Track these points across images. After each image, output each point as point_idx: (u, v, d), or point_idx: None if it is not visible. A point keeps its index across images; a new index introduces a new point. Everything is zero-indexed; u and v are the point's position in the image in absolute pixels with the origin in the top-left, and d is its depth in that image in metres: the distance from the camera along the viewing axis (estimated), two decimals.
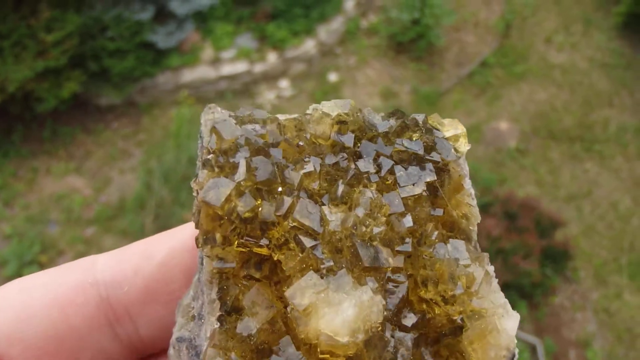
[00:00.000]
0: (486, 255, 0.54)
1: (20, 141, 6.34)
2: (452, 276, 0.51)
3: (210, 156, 0.52)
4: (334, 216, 0.52)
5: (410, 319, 0.51)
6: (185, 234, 0.64)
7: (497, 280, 0.53)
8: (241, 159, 0.52)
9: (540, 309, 5.27)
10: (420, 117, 0.58)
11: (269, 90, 6.83)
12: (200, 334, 0.54)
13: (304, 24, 6.89)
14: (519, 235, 4.97)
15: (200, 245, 0.51)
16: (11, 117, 6.26)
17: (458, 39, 7.47)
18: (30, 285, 0.61)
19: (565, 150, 6.49)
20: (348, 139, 0.56)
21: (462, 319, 0.51)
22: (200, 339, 0.54)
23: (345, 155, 0.56)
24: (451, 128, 0.59)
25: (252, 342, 0.49)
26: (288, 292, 0.48)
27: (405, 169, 0.56)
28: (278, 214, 0.51)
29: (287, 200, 0.51)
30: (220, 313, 0.50)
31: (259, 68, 6.76)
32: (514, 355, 0.50)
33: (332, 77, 7.00)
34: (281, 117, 0.58)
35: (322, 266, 0.50)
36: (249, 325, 0.49)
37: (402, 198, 0.54)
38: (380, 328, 0.49)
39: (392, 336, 0.50)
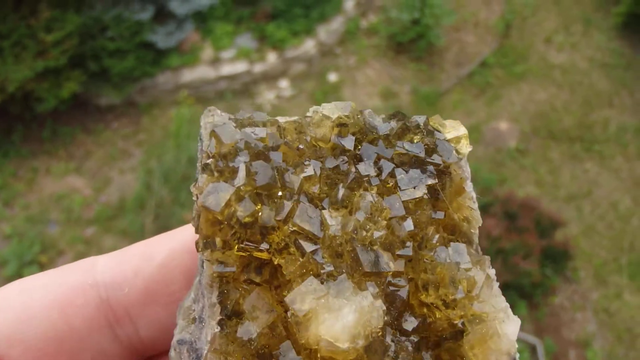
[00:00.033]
0: (487, 258, 0.53)
1: (20, 141, 6.34)
2: (453, 280, 0.51)
3: (209, 160, 0.52)
4: (334, 220, 0.52)
5: (411, 323, 0.51)
6: (185, 235, 0.64)
7: (498, 283, 0.53)
8: (241, 163, 0.51)
9: (540, 309, 5.27)
10: (421, 119, 0.58)
11: (268, 90, 6.82)
12: (201, 337, 0.54)
13: (304, 24, 6.89)
14: (519, 235, 4.97)
15: (200, 250, 0.51)
16: (11, 117, 6.25)
17: (458, 39, 7.47)
18: (31, 286, 0.61)
19: (565, 150, 6.49)
20: (348, 142, 0.56)
21: (463, 323, 0.51)
22: (201, 342, 0.54)
23: (345, 158, 0.55)
24: (453, 129, 0.59)
25: (252, 347, 0.49)
26: (288, 298, 0.48)
27: (406, 172, 0.55)
28: (278, 218, 0.50)
29: (287, 205, 0.51)
30: (221, 317, 0.50)
31: (258, 68, 6.76)
32: None
33: (332, 77, 7.00)
34: (281, 119, 0.57)
35: (322, 271, 0.50)
36: (249, 329, 0.49)
37: (403, 201, 0.53)
38: (380, 333, 0.49)
39: (393, 341, 0.50)
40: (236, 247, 0.50)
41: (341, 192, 0.53)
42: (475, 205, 0.57)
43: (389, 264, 0.51)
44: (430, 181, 0.55)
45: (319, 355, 0.47)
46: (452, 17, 7.21)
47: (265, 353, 0.49)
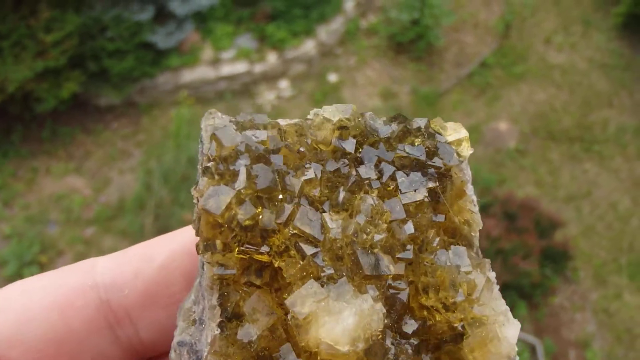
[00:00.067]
0: (488, 261, 0.53)
1: (20, 141, 6.34)
2: (453, 283, 0.51)
3: (210, 163, 0.52)
4: (335, 223, 0.52)
5: (411, 326, 0.51)
6: (185, 236, 0.64)
7: (498, 286, 0.53)
8: (241, 166, 0.51)
9: (539, 309, 5.27)
10: (422, 122, 0.58)
11: (268, 90, 6.83)
12: (201, 339, 0.54)
13: (304, 25, 6.89)
14: (519, 235, 4.97)
15: (200, 252, 0.51)
16: (11, 117, 6.25)
17: (457, 40, 7.47)
18: (31, 287, 0.61)
19: (565, 150, 6.50)
20: (349, 145, 0.56)
21: (463, 326, 0.51)
22: (201, 344, 0.54)
23: (346, 161, 0.55)
24: (454, 132, 0.59)
25: (252, 349, 0.49)
26: (288, 300, 0.48)
27: (407, 175, 0.55)
28: (279, 221, 0.50)
29: (288, 208, 0.51)
30: (221, 319, 0.50)
31: (258, 68, 6.76)
32: None
33: (332, 77, 7.00)
34: (282, 122, 0.57)
35: (322, 274, 0.50)
36: (249, 331, 0.49)
37: (404, 204, 0.54)
38: (380, 336, 0.49)
39: (393, 343, 0.50)
40: (237, 250, 0.50)
41: (342, 195, 0.53)
42: (476, 209, 0.57)
43: (389, 267, 0.51)
44: (431, 184, 0.55)
45: (319, 358, 0.47)
46: (451, 18, 7.22)
47: (265, 355, 0.49)
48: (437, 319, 0.51)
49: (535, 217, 5.15)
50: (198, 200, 0.52)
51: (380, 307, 0.49)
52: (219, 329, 0.50)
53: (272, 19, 6.92)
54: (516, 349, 0.50)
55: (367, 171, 0.55)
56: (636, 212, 6.02)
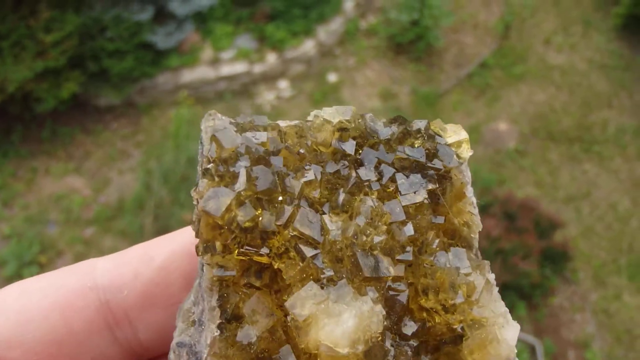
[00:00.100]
0: (487, 263, 0.53)
1: (20, 141, 6.34)
2: (453, 285, 0.51)
3: (210, 165, 0.52)
4: (335, 225, 0.52)
5: (410, 328, 0.51)
6: (185, 237, 0.64)
7: (497, 288, 0.53)
8: (241, 168, 0.51)
9: (539, 310, 5.27)
10: (422, 124, 0.58)
11: (268, 90, 6.83)
12: (201, 340, 0.54)
13: (303, 25, 6.89)
14: (518, 235, 4.97)
15: (200, 254, 0.51)
16: (10, 118, 6.25)
17: (457, 40, 7.47)
18: (30, 289, 0.61)
19: (564, 151, 6.50)
20: (349, 147, 0.56)
21: (462, 328, 0.51)
22: (201, 346, 0.54)
23: (346, 163, 0.55)
24: (454, 134, 0.59)
25: (252, 351, 0.49)
26: (288, 302, 0.48)
27: (407, 176, 0.55)
28: (278, 223, 0.50)
29: (288, 210, 0.51)
30: (221, 321, 0.50)
31: (258, 69, 6.76)
32: None
33: (332, 77, 7.00)
34: (282, 123, 0.57)
35: (322, 276, 0.50)
36: (249, 333, 0.49)
37: (403, 206, 0.54)
38: (380, 338, 0.49)
39: (392, 345, 0.50)
40: (236, 252, 0.50)
41: (342, 196, 0.54)
42: (476, 211, 0.57)
43: (388, 268, 0.51)
44: (430, 186, 0.55)
45: None
46: (451, 18, 7.22)
47: (264, 357, 0.49)
48: (436, 320, 0.51)
49: (534, 218, 5.15)
50: (198, 202, 0.52)
51: (379, 309, 0.49)
52: (218, 331, 0.50)
53: (271, 19, 6.92)
54: (515, 350, 0.50)
55: (367, 173, 0.55)
56: (636, 213, 6.02)
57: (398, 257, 0.52)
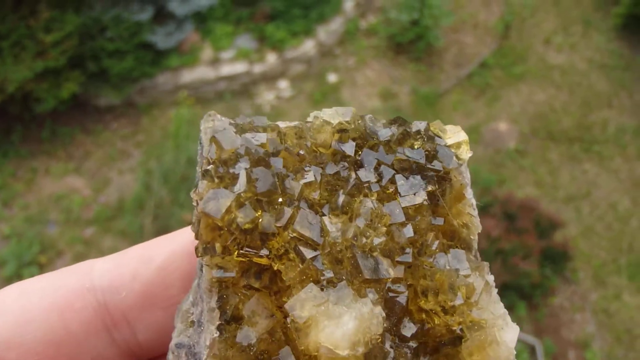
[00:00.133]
0: (486, 264, 0.54)
1: (20, 141, 6.34)
2: (452, 286, 0.51)
3: (210, 166, 0.52)
4: (335, 227, 0.52)
5: (409, 329, 0.51)
6: (184, 238, 0.64)
7: (496, 290, 0.53)
8: (241, 169, 0.51)
9: (539, 310, 5.27)
10: (422, 125, 0.58)
11: (268, 90, 6.83)
12: (200, 341, 0.54)
13: (303, 25, 6.90)
14: (519, 236, 4.98)
15: (200, 255, 0.51)
16: (10, 118, 6.25)
17: (457, 40, 7.47)
18: (29, 289, 0.61)
19: (564, 151, 6.50)
20: (349, 148, 0.56)
21: (461, 329, 0.51)
22: (200, 346, 0.54)
23: (346, 164, 0.55)
24: (453, 135, 0.59)
25: (251, 352, 0.49)
26: (288, 304, 0.48)
27: (407, 178, 0.55)
28: (278, 224, 0.50)
29: (288, 211, 0.51)
30: (220, 322, 0.50)
31: (258, 69, 6.76)
32: None
33: (332, 77, 7.00)
34: (281, 124, 0.57)
35: (322, 277, 0.50)
36: (248, 334, 0.49)
37: (403, 208, 0.54)
38: (380, 340, 0.49)
39: (392, 347, 0.50)
40: (236, 253, 0.50)
41: (341, 198, 0.53)
42: (475, 212, 0.57)
43: (388, 270, 0.51)
44: (430, 187, 0.55)
45: None
46: (451, 18, 7.22)
47: (264, 358, 0.49)
48: (435, 322, 0.51)
49: (534, 218, 5.15)
50: (197, 203, 0.51)
51: (379, 310, 0.49)
52: (218, 332, 0.50)
53: (271, 19, 6.92)
54: (514, 352, 0.50)
55: (366, 174, 0.55)
56: (636, 213, 6.02)
57: (398, 259, 0.52)
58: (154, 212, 5.48)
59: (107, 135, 6.45)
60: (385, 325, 0.50)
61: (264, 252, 0.50)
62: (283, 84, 6.89)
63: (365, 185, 0.55)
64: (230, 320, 0.50)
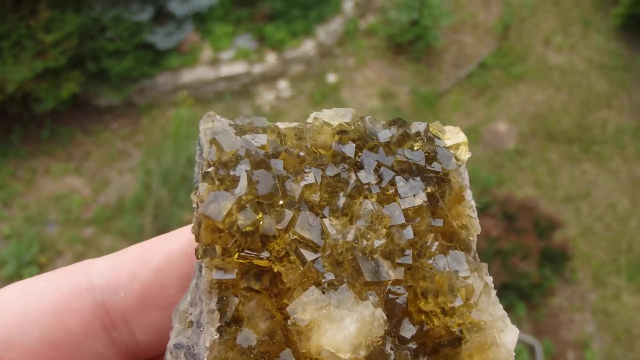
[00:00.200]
0: (485, 265, 0.54)
1: (19, 141, 6.34)
2: (452, 288, 0.51)
3: (210, 169, 0.52)
4: (335, 229, 0.52)
5: (409, 331, 0.51)
6: (183, 237, 0.64)
7: (495, 291, 0.53)
8: (242, 171, 0.51)
9: (538, 310, 5.28)
10: (421, 126, 0.58)
11: (267, 91, 6.83)
12: (199, 342, 0.54)
13: (303, 25, 6.90)
14: (518, 236, 4.98)
15: (200, 257, 0.51)
16: (10, 118, 6.25)
17: (456, 40, 7.47)
18: (28, 289, 0.61)
19: (564, 151, 6.50)
20: (349, 149, 0.56)
21: (460, 331, 0.51)
22: (199, 348, 0.54)
23: (346, 166, 0.55)
24: (452, 136, 0.59)
25: (252, 354, 0.49)
26: (289, 307, 0.48)
27: (406, 179, 0.55)
28: (279, 227, 0.50)
29: (288, 214, 0.51)
30: (220, 324, 0.50)
31: (257, 69, 6.76)
32: None
33: (331, 78, 7.00)
34: (281, 125, 0.57)
35: (323, 280, 0.50)
36: (249, 336, 0.49)
37: (403, 209, 0.54)
38: (381, 342, 0.49)
39: (392, 349, 0.50)
40: (236, 255, 0.50)
41: (342, 200, 0.54)
42: (475, 214, 0.57)
43: (389, 272, 0.51)
44: (429, 189, 0.55)
45: None
46: (450, 19, 7.22)
47: None
48: (435, 323, 0.51)
49: (534, 218, 5.15)
50: (198, 206, 0.51)
51: (380, 313, 0.49)
52: (217, 334, 0.50)
53: (271, 19, 6.92)
54: (514, 354, 0.50)
55: (366, 176, 0.55)
56: (635, 213, 6.03)
57: (398, 261, 0.52)
58: (153, 212, 5.48)
59: (107, 135, 6.45)
60: (385, 327, 0.50)
61: (265, 254, 0.50)
62: (283, 84, 6.89)
63: (365, 187, 0.55)
64: (231, 322, 0.50)
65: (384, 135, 0.57)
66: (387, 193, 0.55)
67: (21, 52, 5.72)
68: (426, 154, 0.57)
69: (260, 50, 6.84)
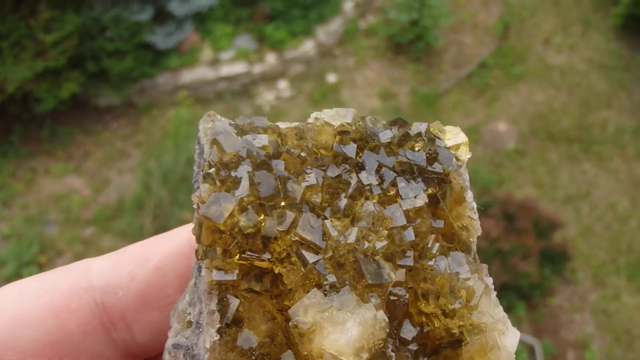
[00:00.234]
0: (485, 266, 0.53)
1: (19, 141, 6.34)
2: (453, 290, 0.51)
3: (211, 170, 0.52)
4: (337, 230, 0.52)
5: (410, 332, 0.51)
6: (182, 237, 0.63)
7: (495, 292, 0.53)
8: (244, 173, 0.51)
9: (538, 310, 5.27)
10: (422, 127, 0.58)
11: (267, 91, 6.83)
12: (199, 343, 0.54)
13: (303, 25, 6.90)
14: (518, 236, 4.98)
15: (200, 258, 0.51)
16: (10, 118, 6.25)
17: (456, 40, 7.47)
18: (27, 289, 0.60)
19: (564, 151, 6.50)
20: (350, 150, 0.55)
21: (461, 333, 0.51)
22: (199, 348, 0.53)
23: (347, 166, 0.55)
24: (453, 137, 0.59)
25: (252, 356, 0.49)
26: (291, 310, 0.48)
27: (407, 180, 0.55)
28: (280, 228, 0.50)
29: (290, 215, 0.51)
30: (220, 325, 0.49)
31: (257, 69, 6.76)
32: None
33: (331, 78, 7.00)
34: (282, 125, 0.57)
35: (324, 282, 0.49)
36: (249, 338, 0.49)
37: (404, 210, 0.53)
38: (382, 345, 0.49)
39: (393, 351, 0.50)
40: (237, 256, 0.50)
41: (343, 201, 0.53)
42: (476, 215, 0.57)
43: (390, 274, 0.51)
44: (430, 190, 0.55)
45: None
46: (450, 19, 7.22)
47: None
48: (435, 325, 0.51)
49: (534, 218, 5.15)
50: (198, 207, 0.51)
51: (382, 315, 0.49)
52: (218, 335, 0.49)
53: (271, 19, 6.92)
54: (514, 357, 0.50)
55: (368, 177, 0.55)
56: (635, 213, 6.03)
57: (399, 262, 0.52)
58: (153, 212, 5.48)
59: (107, 135, 6.45)
60: (387, 330, 0.50)
61: (266, 256, 0.50)
62: (283, 84, 6.89)
63: (366, 188, 0.54)
64: (231, 324, 0.50)
65: (385, 135, 0.57)
66: (389, 194, 0.54)
67: (21, 52, 5.72)
68: (427, 154, 0.56)
69: (260, 50, 6.84)
